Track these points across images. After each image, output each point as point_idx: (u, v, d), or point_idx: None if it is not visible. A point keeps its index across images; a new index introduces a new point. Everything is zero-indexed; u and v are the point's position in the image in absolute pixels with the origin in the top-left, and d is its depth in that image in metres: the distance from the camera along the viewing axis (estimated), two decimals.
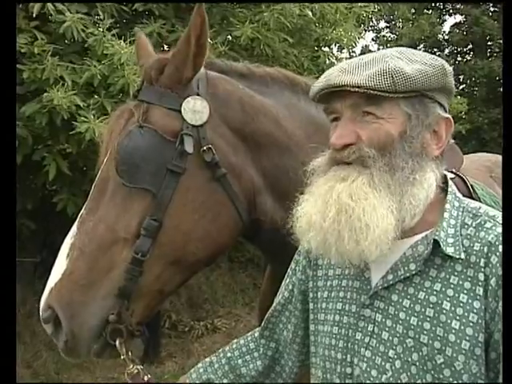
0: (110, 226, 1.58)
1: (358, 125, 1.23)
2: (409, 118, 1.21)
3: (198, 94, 1.68)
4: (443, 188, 1.29)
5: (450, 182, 1.31)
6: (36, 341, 6.24)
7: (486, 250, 1.16)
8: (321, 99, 1.30)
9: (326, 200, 1.20)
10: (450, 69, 1.25)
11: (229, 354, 1.60)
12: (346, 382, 1.27)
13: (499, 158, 2.76)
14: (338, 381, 1.29)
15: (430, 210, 1.24)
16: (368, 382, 1.22)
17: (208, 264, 1.83)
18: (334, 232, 1.18)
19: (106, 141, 1.68)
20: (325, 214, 1.19)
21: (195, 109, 1.65)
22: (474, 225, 1.21)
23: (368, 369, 1.23)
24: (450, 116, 1.28)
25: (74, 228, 1.60)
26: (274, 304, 1.58)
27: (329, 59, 5.82)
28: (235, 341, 1.64)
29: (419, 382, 1.15)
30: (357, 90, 1.18)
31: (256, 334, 1.62)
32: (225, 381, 1.57)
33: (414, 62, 1.22)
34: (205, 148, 1.64)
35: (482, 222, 1.21)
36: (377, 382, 1.20)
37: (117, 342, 1.56)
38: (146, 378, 1.57)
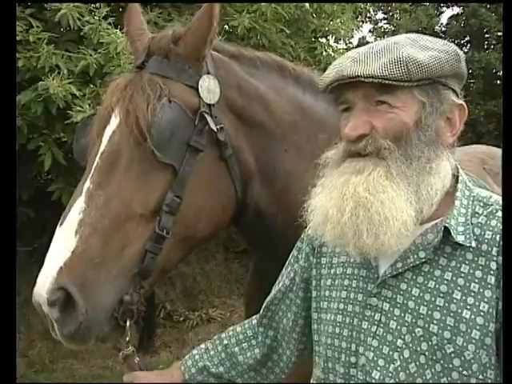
0: (125, 201, 1.53)
1: (372, 115, 1.21)
2: (423, 106, 1.20)
3: (208, 73, 1.69)
4: (457, 177, 1.28)
5: (461, 171, 1.30)
6: (31, 330, 6.24)
7: (498, 238, 1.15)
8: (331, 90, 1.29)
9: (343, 193, 1.19)
10: (462, 54, 1.24)
11: (225, 342, 1.59)
12: (350, 371, 1.27)
13: (493, 150, 2.76)
14: (341, 370, 1.29)
15: (444, 200, 1.23)
16: (375, 371, 1.22)
17: (207, 242, 1.86)
18: (353, 226, 1.18)
19: (114, 110, 1.61)
20: (342, 208, 1.19)
21: (210, 88, 1.66)
22: (485, 213, 1.20)
23: (375, 358, 1.22)
24: (463, 102, 1.26)
25: (82, 203, 1.51)
26: (274, 292, 1.57)
27: (326, 50, 5.79)
28: (231, 328, 1.63)
29: (428, 371, 1.15)
30: (371, 80, 1.17)
31: (254, 322, 1.61)
32: (221, 368, 1.56)
33: (426, 49, 1.20)
34: (218, 127, 1.66)
35: (494, 211, 1.20)
36: (384, 371, 1.20)
37: (127, 324, 1.53)
38: (136, 360, 1.57)
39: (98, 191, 1.52)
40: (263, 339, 1.58)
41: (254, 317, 1.64)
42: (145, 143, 1.54)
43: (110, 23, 4.15)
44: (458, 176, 1.29)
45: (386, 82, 1.17)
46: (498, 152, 2.68)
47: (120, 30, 4.08)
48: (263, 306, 1.61)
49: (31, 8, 4.22)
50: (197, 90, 1.65)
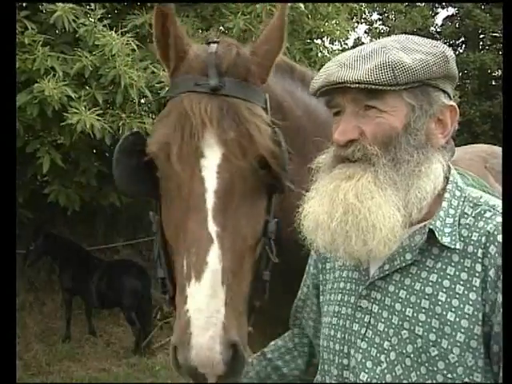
0: (243, 237, 1.43)
1: (361, 120, 1.20)
2: (412, 110, 1.19)
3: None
4: (449, 178, 1.26)
5: (453, 171, 1.28)
6: (27, 333, 6.23)
7: (484, 239, 1.13)
8: (322, 94, 1.28)
9: (333, 200, 1.18)
10: (451, 55, 1.23)
11: (269, 355, 1.56)
12: (344, 373, 1.26)
13: (495, 149, 2.74)
14: (335, 372, 1.29)
15: (435, 202, 1.22)
16: (362, 373, 1.21)
17: None
18: (342, 232, 1.17)
19: (206, 141, 1.43)
20: (332, 214, 1.18)
21: (268, 108, 1.58)
22: (473, 214, 1.19)
23: (363, 360, 1.22)
24: (454, 103, 1.25)
25: (218, 250, 1.35)
26: (296, 300, 1.57)
27: (321, 52, 5.82)
28: (273, 342, 1.60)
29: (413, 374, 1.14)
30: (357, 85, 1.16)
31: (291, 334, 1.60)
32: (269, 382, 1.54)
33: (413, 52, 1.19)
34: None
35: (482, 212, 1.18)
36: (371, 373, 1.20)
37: None
38: None
39: (224, 233, 1.38)
40: (302, 348, 1.57)
41: (291, 329, 1.63)
42: (263, 173, 1.45)
43: (105, 25, 4.16)
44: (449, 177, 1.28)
45: (373, 87, 1.15)
46: (499, 151, 2.66)
47: (115, 31, 4.09)
48: (291, 314, 1.60)
49: (26, 10, 4.21)
50: (265, 109, 1.54)
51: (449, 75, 1.23)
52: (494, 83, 16.31)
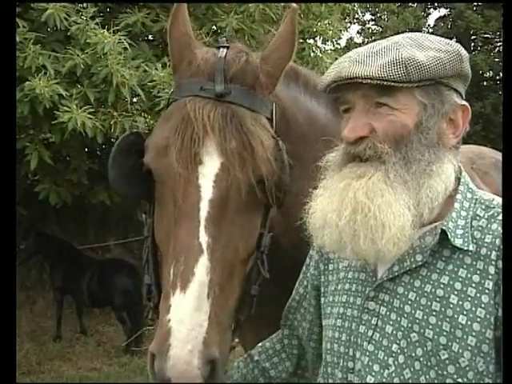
0: (235, 250, 1.38)
1: (372, 117, 1.18)
2: (424, 108, 1.17)
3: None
4: (460, 179, 1.24)
5: (464, 173, 1.26)
6: (18, 332, 6.19)
7: (498, 242, 1.12)
8: (331, 90, 1.26)
9: (342, 198, 1.16)
10: (465, 54, 1.21)
11: (256, 358, 1.54)
12: (348, 376, 1.24)
13: (483, 149, 2.74)
14: (339, 375, 1.26)
15: (447, 203, 1.20)
16: (369, 376, 1.19)
17: None
18: (350, 231, 1.15)
19: (205, 148, 1.38)
20: (341, 212, 1.16)
21: (274, 119, 1.53)
22: (486, 216, 1.17)
23: (370, 363, 1.19)
24: (466, 103, 1.23)
25: (206, 262, 1.31)
26: (289, 300, 1.55)
27: (313, 51, 5.81)
28: (260, 344, 1.59)
29: (422, 378, 1.12)
30: (369, 81, 1.14)
31: (280, 335, 1.58)
32: None
33: (427, 49, 1.17)
34: None
35: (495, 214, 1.17)
36: (378, 376, 1.17)
37: None
38: None
39: (216, 246, 1.33)
40: (290, 350, 1.54)
41: (281, 330, 1.61)
42: (261, 187, 1.39)
43: (97, 23, 4.14)
44: (460, 178, 1.25)
45: (385, 83, 1.13)
46: (487, 152, 2.67)
47: (107, 30, 4.07)
48: (282, 315, 1.58)
49: (18, 8, 4.19)
50: (271, 120, 1.49)
51: (461, 74, 1.21)
52: (485, 84, 16.37)
